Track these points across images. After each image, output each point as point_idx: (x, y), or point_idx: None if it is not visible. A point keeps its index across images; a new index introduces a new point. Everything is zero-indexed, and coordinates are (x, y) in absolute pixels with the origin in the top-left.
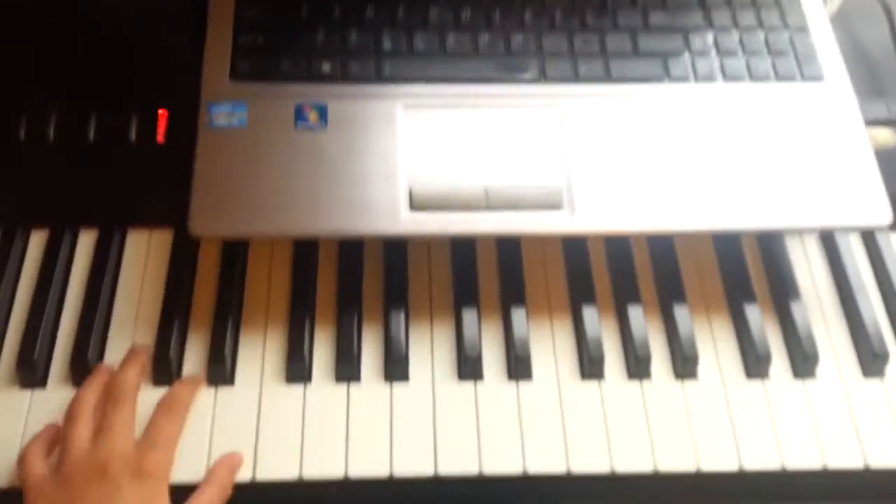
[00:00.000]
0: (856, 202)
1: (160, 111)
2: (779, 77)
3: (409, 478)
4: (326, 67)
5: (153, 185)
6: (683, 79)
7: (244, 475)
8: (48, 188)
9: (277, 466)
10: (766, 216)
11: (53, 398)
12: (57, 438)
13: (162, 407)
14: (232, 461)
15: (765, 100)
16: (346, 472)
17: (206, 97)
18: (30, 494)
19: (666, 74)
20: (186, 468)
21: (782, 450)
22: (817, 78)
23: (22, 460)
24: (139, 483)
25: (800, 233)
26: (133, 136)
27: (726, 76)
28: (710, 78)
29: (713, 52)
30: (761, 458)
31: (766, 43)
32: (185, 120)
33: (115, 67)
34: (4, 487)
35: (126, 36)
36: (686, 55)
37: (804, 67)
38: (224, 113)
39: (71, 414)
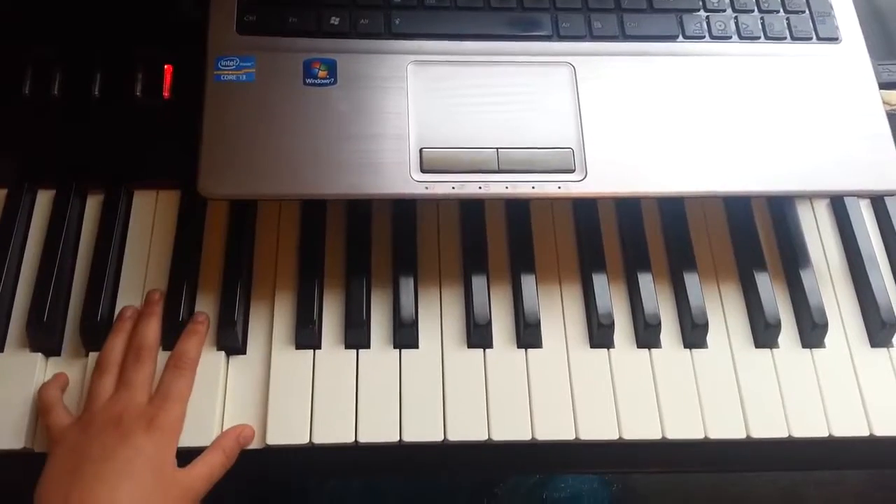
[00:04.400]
0: (868, 167)
1: (166, 66)
2: (794, 36)
3: (418, 443)
4: (335, 21)
5: (159, 143)
6: (698, 36)
7: (255, 441)
8: (53, 146)
9: (287, 432)
10: (777, 180)
11: (65, 360)
12: (67, 383)
13: (171, 365)
14: (241, 432)
15: (779, 60)
16: (356, 438)
17: (212, 50)
18: (53, 441)
19: (681, 31)
20: (196, 433)
21: (789, 418)
22: (833, 39)
23: (47, 410)
24: (149, 434)
25: (811, 197)
26: (139, 91)
27: (741, 34)
28: (724, 36)
29: (729, 9)
30: (768, 426)
31: (783, 1)
32: (191, 75)
33: (120, 21)
34: (18, 449)
35: None
36: (701, 11)
37: (820, 27)
38: (232, 67)
39: (99, 366)
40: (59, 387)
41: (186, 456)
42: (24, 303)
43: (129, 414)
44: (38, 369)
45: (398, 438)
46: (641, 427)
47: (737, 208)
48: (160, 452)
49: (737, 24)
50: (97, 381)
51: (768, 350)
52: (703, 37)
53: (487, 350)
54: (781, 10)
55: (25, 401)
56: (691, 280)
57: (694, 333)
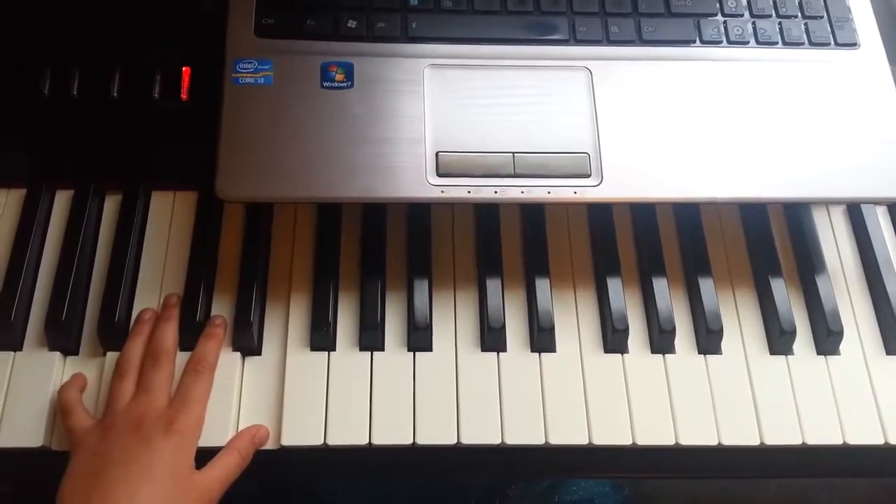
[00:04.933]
0: (886, 174)
1: (184, 68)
2: (812, 42)
3: (431, 446)
4: (352, 24)
5: (176, 145)
6: (716, 41)
7: (269, 442)
8: (71, 146)
9: (302, 433)
10: (794, 187)
11: (83, 360)
12: (85, 384)
13: (190, 369)
14: (257, 432)
15: (797, 66)
16: (370, 440)
17: (231, 53)
18: (75, 443)
19: (698, 36)
20: (212, 433)
21: (803, 426)
22: (852, 44)
23: (67, 412)
24: (169, 438)
25: (828, 204)
26: (157, 93)
27: (759, 40)
28: (742, 41)
29: (746, 14)
30: (782, 433)
31: (801, 6)
32: (209, 78)
33: (138, 23)
34: (36, 447)
35: None
36: (719, 16)
37: (838, 33)
38: (250, 70)
39: (118, 369)
40: (78, 388)
41: (201, 456)
42: (42, 302)
43: (149, 417)
44: (56, 368)
45: (412, 441)
46: (655, 433)
47: (752, 213)
48: (179, 455)
49: (754, 29)
50: (117, 384)
51: (783, 357)
52: (721, 42)
53: (501, 354)
54: (799, 16)
55: (44, 399)
56: (706, 285)
57: (708, 339)
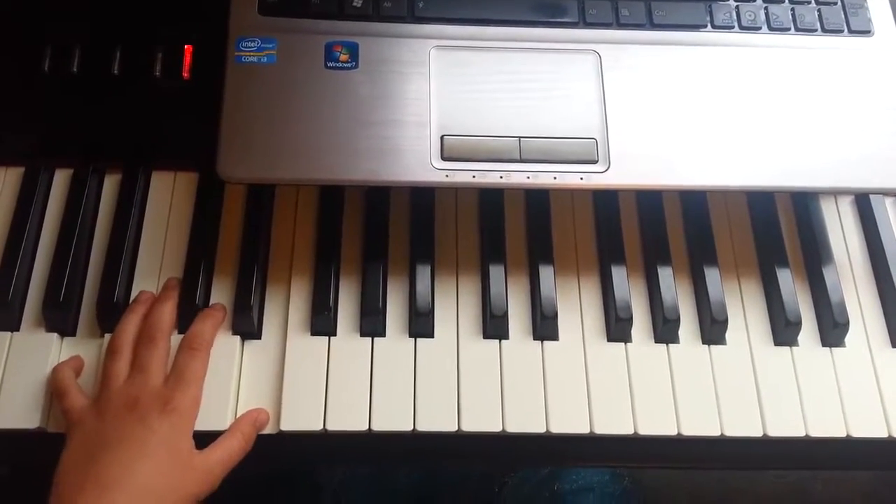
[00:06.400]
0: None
1: (186, 46)
2: (825, 29)
3: (432, 432)
4: (358, 3)
5: (178, 124)
6: (727, 26)
7: (269, 426)
8: (71, 124)
9: (301, 418)
10: (803, 176)
11: (80, 341)
12: (81, 366)
13: (186, 346)
14: (258, 416)
15: (809, 53)
16: (369, 426)
17: (234, 31)
18: (71, 424)
19: (709, 21)
20: (211, 417)
21: (807, 418)
22: (865, 32)
23: (62, 393)
24: (165, 417)
25: (836, 194)
26: (158, 71)
27: (771, 25)
28: (754, 26)
29: None
30: (786, 425)
31: None
32: (211, 57)
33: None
34: (33, 428)
35: None
36: (731, 1)
37: (852, 20)
38: (253, 48)
39: (112, 349)
40: (71, 368)
41: (201, 440)
42: (40, 282)
43: (144, 397)
44: (53, 349)
45: (412, 427)
46: (657, 423)
47: (760, 203)
48: (176, 434)
49: (767, 14)
50: (111, 364)
51: (787, 348)
52: (732, 27)
53: (503, 341)
54: (813, 2)
55: (41, 381)
56: (712, 275)
57: (713, 329)
